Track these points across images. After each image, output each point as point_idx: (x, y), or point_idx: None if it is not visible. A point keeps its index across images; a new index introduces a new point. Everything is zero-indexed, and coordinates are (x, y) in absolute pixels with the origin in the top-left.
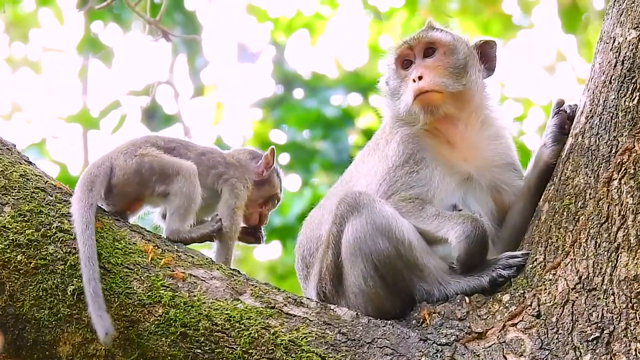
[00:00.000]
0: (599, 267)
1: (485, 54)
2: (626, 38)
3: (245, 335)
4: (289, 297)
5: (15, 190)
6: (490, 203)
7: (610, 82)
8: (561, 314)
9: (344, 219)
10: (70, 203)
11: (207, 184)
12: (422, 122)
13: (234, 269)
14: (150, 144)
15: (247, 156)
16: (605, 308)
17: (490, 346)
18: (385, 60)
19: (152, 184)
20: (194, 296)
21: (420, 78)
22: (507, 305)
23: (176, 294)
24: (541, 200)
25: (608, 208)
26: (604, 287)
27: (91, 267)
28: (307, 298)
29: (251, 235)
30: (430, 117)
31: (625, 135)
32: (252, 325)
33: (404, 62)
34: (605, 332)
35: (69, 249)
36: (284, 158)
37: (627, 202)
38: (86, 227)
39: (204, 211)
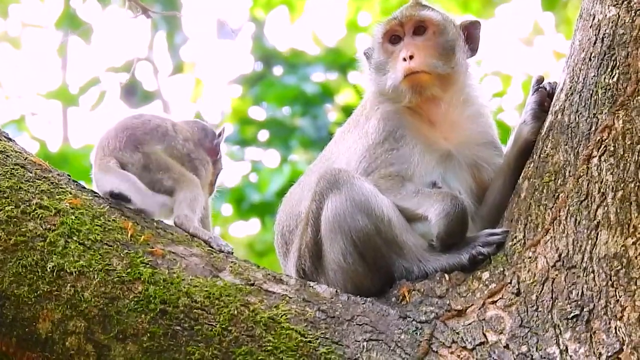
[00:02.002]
0: (578, 245)
1: (470, 34)
2: (606, 15)
3: (224, 312)
4: (269, 274)
5: None
6: (469, 180)
7: (590, 60)
8: (541, 291)
9: (323, 196)
10: (49, 179)
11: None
12: (407, 101)
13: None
14: (153, 140)
15: (201, 134)
16: (585, 286)
17: (469, 324)
18: (372, 33)
19: (160, 179)
20: (174, 273)
21: (411, 57)
22: (486, 282)
23: (156, 270)
24: (521, 177)
25: (588, 185)
26: (584, 264)
27: None
28: (287, 275)
29: None
30: (417, 98)
31: (605, 113)
32: (231, 302)
33: (392, 38)
34: (585, 309)
35: (49, 226)
36: (264, 135)
37: (607, 180)
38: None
39: None
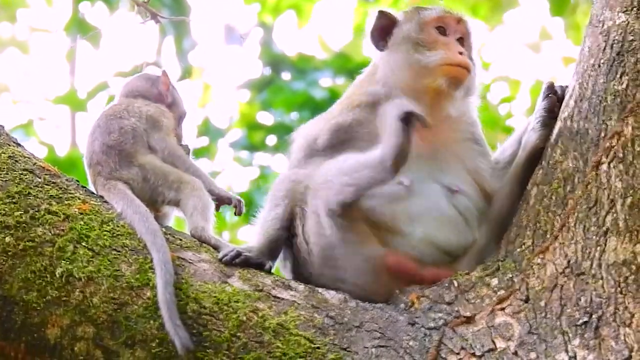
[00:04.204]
0: (587, 252)
1: None
2: (615, 22)
3: (233, 319)
4: (277, 280)
5: (4, 172)
6: (468, 178)
7: (599, 66)
8: (550, 298)
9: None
10: (57, 185)
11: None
12: (435, 84)
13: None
14: (141, 149)
15: (147, 84)
16: (594, 292)
17: (478, 330)
18: (416, 13)
19: (161, 190)
20: (182, 279)
21: (461, 54)
22: (495, 289)
23: None
24: (529, 183)
25: (597, 192)
26: (593, 271)
27: (167, 274)
28: (295, 281)
29: None
30: (449, 90)
31: (614, 119)
32: (240, 309)
33: (439, 27)
34: (593, 316)
35: (58, 231)
36: (272, 140)
37: (616, 187)
38: (154, 235)
39: None
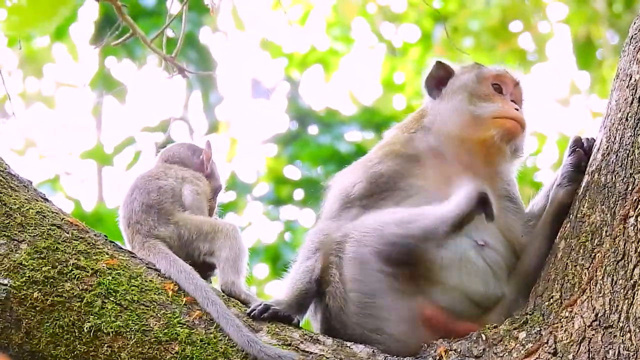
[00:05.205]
0: (615, 305)
1: None
2: None
3: None
4: (305, 334)
5: (32, 227)
6: (497, 233)
7: (627, 120)
8: (578, 351)
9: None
10: (85, 240)
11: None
12: (488, 135)
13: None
14: (177, 208)
15: (188, 152)
16: (622, 345)
17: None
18: (475, 67)
19: (196, 245)
20: (210, 333)
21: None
22: (523, 342)
23: (193, 331)
24: (557, 237)
25: (624, 245)
26: (621, 324)
27: (235, 323)
28: (323, 335)
29: None
30: (501, 143)
31: None
32: None
33: (496, 85)
34: None
35: (86, 286)
36: (299, 194)
37: None
38: (204, 290)
39: None
